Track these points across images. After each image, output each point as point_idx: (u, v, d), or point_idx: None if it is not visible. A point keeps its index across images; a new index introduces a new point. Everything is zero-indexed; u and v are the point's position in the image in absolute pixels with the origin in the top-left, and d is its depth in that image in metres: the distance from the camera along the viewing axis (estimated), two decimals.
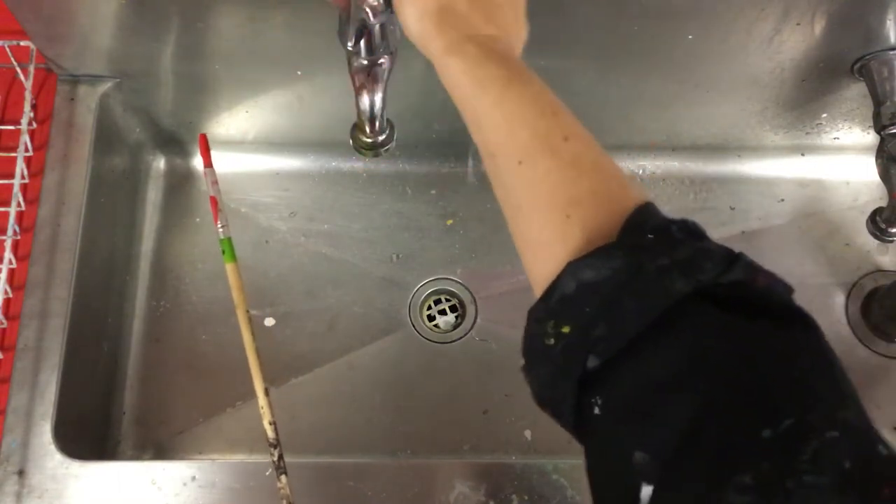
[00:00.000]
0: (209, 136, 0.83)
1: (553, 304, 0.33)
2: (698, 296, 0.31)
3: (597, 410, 0.32)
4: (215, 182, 0.59)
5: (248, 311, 0.58)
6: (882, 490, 0.26)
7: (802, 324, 0.32)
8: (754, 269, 0.33)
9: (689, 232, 0.34)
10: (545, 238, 0.36)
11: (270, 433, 0.57)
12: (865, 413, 0.29)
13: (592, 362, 0.31)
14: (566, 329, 0.32)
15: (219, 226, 0.60)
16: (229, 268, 0.59)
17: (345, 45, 0.51)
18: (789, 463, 0.26)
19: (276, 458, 0.57)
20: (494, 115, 0.38)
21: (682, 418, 0.28)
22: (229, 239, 0.60)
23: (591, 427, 0.32)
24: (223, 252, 0.59)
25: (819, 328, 0.32)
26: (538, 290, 0.35)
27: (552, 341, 0.33)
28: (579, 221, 0.35)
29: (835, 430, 0.27)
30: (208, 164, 0.59)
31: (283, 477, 0.57)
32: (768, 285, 0.33)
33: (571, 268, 0.33)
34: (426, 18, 0.41)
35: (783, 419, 0.27)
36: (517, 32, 0.44)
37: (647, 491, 0.28)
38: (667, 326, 0.30)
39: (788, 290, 0.33)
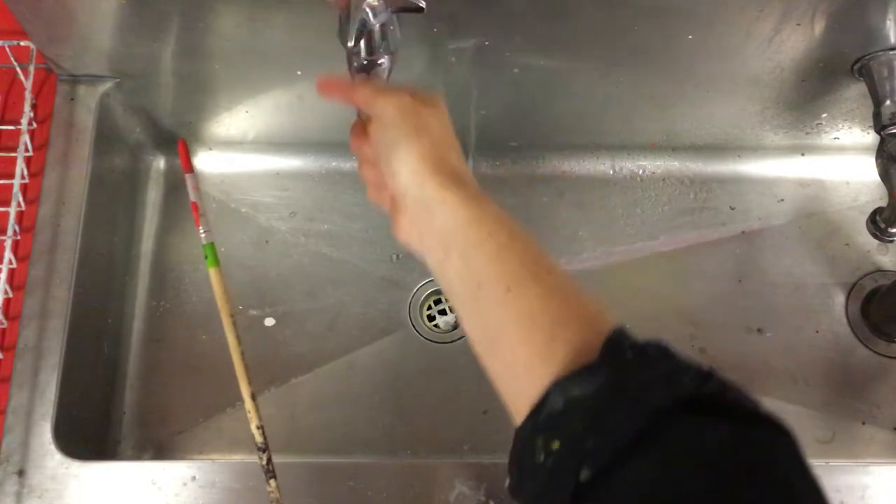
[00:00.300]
0: (209, 136, 0.84)
1: (542, 421, 0.35)
2: (680, 408, 0.33)
3: None
4: (196, 187, 0.60)
5: (232, 316, 0.58)
6: None
7: (776, 429, 0.34)
8: (726, 384, 0.35)
9: (663, 351, 0.37)
10: (529, 361, 0.38)
11: (258, 437, 0.57)
12: None
13: (585, 475, 0.33)
14: (556, 445, 0.34)
15: (201, 231, 0.60)
16: (212, 273, 0.59)
17: (345, 45, 0.51)
18: None
19: (264, 463, 0.57)
20: (486, 247, 0.41)
21: None
22: (212, 244, 0.60)
23: None
24: (206, 257, 0.59)
25: (793, 433, 0.34)
26: (519, 413, 0.37)
27: (542, 457, 0.34)
28: (563, 343, 0.37)
29: None
30: (188, 169, 0.60)
31: (272, 481, 0.57)
32: (738, 399, 0.35)
33: (558, 386, 0.35)
34: (425, 161, 0.45)
35: None
36: None
37: None
38: (652, 437, 0.32)
39: (755, 403, 0.35)
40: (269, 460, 0.57)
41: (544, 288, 0.39)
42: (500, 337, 0.40)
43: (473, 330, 0.43)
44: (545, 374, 0.36)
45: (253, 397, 0.57)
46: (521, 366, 0.38)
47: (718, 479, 0.31)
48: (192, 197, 0.59)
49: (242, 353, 0.57)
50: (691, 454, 0.32)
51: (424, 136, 0.45)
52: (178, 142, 0.60)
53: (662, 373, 0.34)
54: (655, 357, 0.36)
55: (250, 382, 0.57)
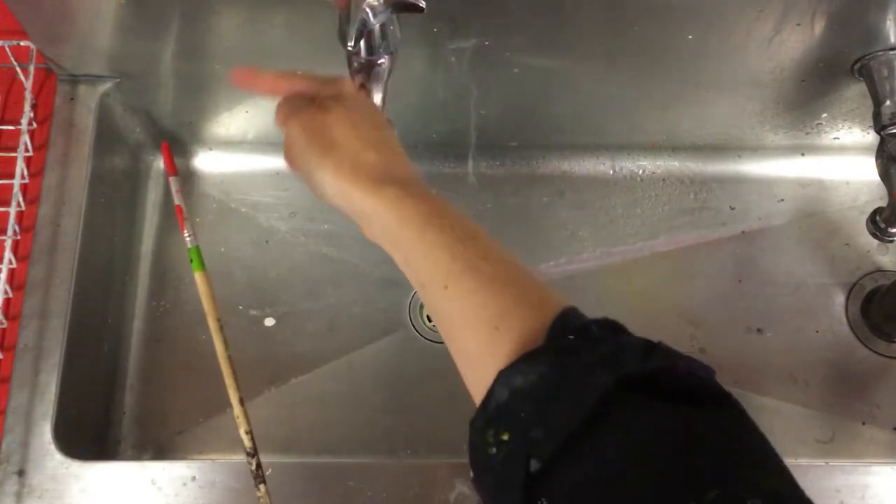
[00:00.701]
0: (209, 136, 0.84)
1: (490, 413, 0.35)
2: (624, 388, 0.32)
3: None
4: (180, 191, 0.59)
5: (219, 320, 0.58)
6: None
7: (724, 404, 0.33)
8: (673, 356, 0.34)
9: (610, 328, 0.36)
10: (477, 352, 0.38)
11: (247, 442, 0.57)
12: (792, 480, 0.31)
13: (534, 465, 0.33)
14: (505, 436, 0.34)
15: (186, 234, 0.59)
16: (198, 277, 0.59)
17: (345, 45, 0.51)
18: None
19: (253, 468, 0.57)
20: (419, 247, 0.41)
21: None
22: (197, 248, 0.59)
23: None
24: (191, 261, 0.59)
25: (740, 405, 0.33)
26: (477, 402, 0.37)
27: (494, 450, 0.34)
28: (507, 332, 0.37)
29: (758, 498, 0.28)
30: (172, 172, 0.59)
31: (261, 486, 0.57)
32: (689, 370, 0.34)
33: (502, 376, 0.35)
34: (340, 176, 0.44)
35: (708, 492, 0.28)
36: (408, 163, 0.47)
37: None
38: (598, 422, 0.32)
39: (710, 371, 0.35)
40: (259, 465, 0.57)
41: (481, 280, 0.39)
42: (452, 331, 0.40)
43: (433, 318, 0.42)
44: (493, 364, 0.36)
45: (241, 402, 0.56)
46: (473, 357, 0.38)
47: (658, 466, 0.30)
48: (177, 200, 0.59)
49: (230, 358, 0.57)
50: (633, 438, 0.31)
51: (332, 151, 0.44)
52: (161, 145, 0.60)
53: (604, 354, 0.34)
54: (599, 337, 0.35)
55: (239, 388, 0.57)
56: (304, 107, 0.47)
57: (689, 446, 0.31)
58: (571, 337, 0.35)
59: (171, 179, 0.59)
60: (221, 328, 0.58)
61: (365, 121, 0.46)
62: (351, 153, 0.44)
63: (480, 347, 0.38)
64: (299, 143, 0.46)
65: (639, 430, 0.32)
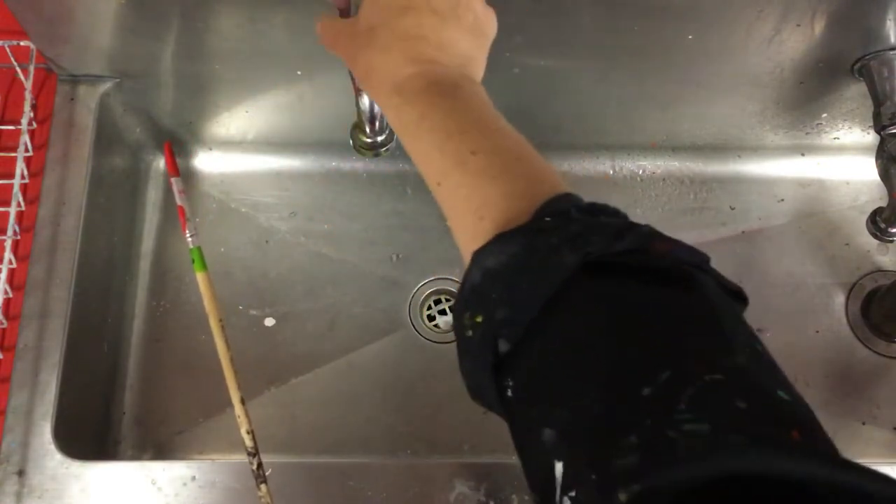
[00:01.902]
0: (209, 136, 0.84)
1: (466, 295, 0.35)
2: (591, 270, 0.32)
3: (509, 393, 0.33)
4: (182, 191, 0.59)
5: (221, 321, 0.58)
6: (790, 433, 0.26)
7: (690, 282, 0.32)
8: (651, 237, 0.33)
9: (591, 211, 0.35)
10: (465, 242, 0.38)
11: (248, 442, 0.57)
12: (768, 361, 0.30)
13: (503, 347, 0.33)
14: (479, 318, 0.34)
15: (187, 235, 0.59)
16: (200, 277, 0.59)
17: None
18: (670, 414, 0.26)
19: (255, 467, 0.57)
20: (416, 148, 0.42)
21: (575, 394, 0.30)
22: (199, 248, 0.59)
23: (508, 410, 0.34)
24: (193, 262, 0.59)
25: (708, 283, 0.32)
26: None
27: (470, 332, 0.34)
28: (491, 220, 0.36)
29: (717, 373, 0.27)
30: (174, 172, 0.59)
31: (263, 486, 0.57)
32: (669, 251, 0.33)
33: (476, 257, 0.35)
34: (363, 84, 0.45)
35: (661, 373, 0.28)
36: (472, 37, 0.45)
37: (559, 467, 0.29)
38: (560, 304, 0.32)
39: (695, 254, 0.33)
40: (260, 465, 0.57)
41: (467, 173, 0.38)
42: (451, 226, 0.40)
43: None
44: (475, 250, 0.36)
45: (242, 402, 0.57)
46: (463, 250, 0.38)
47: (613, 349, 0.30)
48: (179, 201, 0.59)
49: (232, 358, 0.57)
50: (588, 320, 0.31)
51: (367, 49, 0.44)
52: (164, 145, 0.60)
53: (574, 234, 0.33)
54: (576, 218, 0.34)
55: (240, 387, 0.57)
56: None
57: (647, 327, 0.30)
58: (548, 219, 0.34)
59: (174, 180, 0.59)
60: (223, 328, 0.58)
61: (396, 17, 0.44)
62: (377, 58, 0.44)
63: (467, 238, 0.37)
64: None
65: (594, 311, 0.31)
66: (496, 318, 0.33)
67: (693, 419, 0.26)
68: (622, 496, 0.25)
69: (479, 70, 0.46)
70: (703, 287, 0.32)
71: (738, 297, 0.34)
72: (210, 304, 0.58)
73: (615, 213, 0.36)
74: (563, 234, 0.33)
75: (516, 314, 0.32)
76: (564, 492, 0.28)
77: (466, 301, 0.34)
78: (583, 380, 0.29)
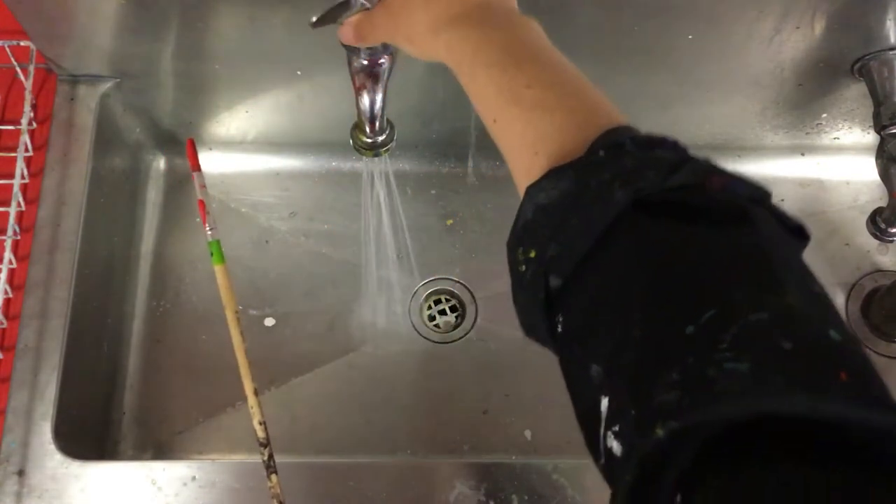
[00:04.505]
0: (209, 136, 0.84)
1: (519, 231, 0.35)
2: (642, 207, 0.31)
3: (560, 329, 0.33)
4: (203, 186, 0.60)
5: (237, 312, 0.58)
6: (838, 374, 0.25)
7: (743, 219, 0.31)
8: (707, 171, 0.32)
9: (647, 144, 0.34)
10: (520, 178, 0.37)
11: (260, 433, 0.57)
12: (823, 300, 0.29)
13: (554, 282, 0.33)
14: (532, 254, 0.33)
15: (207, 228, 0.60)
16: (218, 270, 0.60)
17: (344, 45, 0.51)
18: (711, 353, 0.26)
19: (266, 458, 0.57)
20: (471, 87, 0.41)
21: (621, 331, 0.29)
22: (218, 241, 0.60)
23: (559, 346, 0.34)
24: (212, 254, 0.60)
25: (763, 218, 0.31)
26: None
27: (523, 268, 0.34)
28: (545, 155, 0.36)
29: (762, 312, 0.27)
30: (196, 167, 0.60)
31: (273, 476, 0.57)
32: (726, 186, 0.32)
33: (528, 193, 0.34)
34: (405, 31, 0.45)
35: (705, 312, 0.27)
36: None
37: (604, 402, 0.29)
38: (609, 242, 0.31)
39: (754, 188, 0.32)
40: (271, 455, 0.57)
41: (522, 108, 0.38)
42: (508, 163, 0.40)
43: None
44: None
45: (256, 393, 0.57)
46: (519, 186, 0.38)
47: (660, 287, 0.29)
48: (200, 195, 0.59)
49: (246, 350, 0.58)
50: (635, 259, 0.30)
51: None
52: (187, 141, 0.60)
53: (626, 169, 0.32)
54: (630, 152, 0.33)
55: (254, 378, 0.58)
56: None
57: (694, 266, 0.29)
58: (602, 153, 0.33)
59: (195, 175, 0.60)
60: (239, 320, 0.58)
61: None
62: (419, 11, 0.44)
63: (522, 174, 0.37)
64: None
65: (642, 251, 0.31)
66: (548, 254, 0.32)
67: (734, 358, 0.25)
68: (660, 431, 0.25)
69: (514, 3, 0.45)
70: (757, 223, 0.31)
71: (800, 234, 0.33)
72: (227, 295, 0.59)
73: (673, 146, 0.35)
74: (615, 170, 0.32)
75: (567, 251, 0.32)
76: (608, 426, 0.28)
77: (519, 236, 0.34)
78: (628, 318, 0.29)
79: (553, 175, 0.34)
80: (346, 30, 0.49)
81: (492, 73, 0.40)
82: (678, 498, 0.25)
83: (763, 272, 0.29)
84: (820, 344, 0.26)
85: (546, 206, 0.33)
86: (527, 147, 0.37)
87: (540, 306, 0.33)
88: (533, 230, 0.34)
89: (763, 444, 0.25)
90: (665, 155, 0.33)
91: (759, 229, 0.30)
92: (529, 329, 0.36)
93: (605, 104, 0.37)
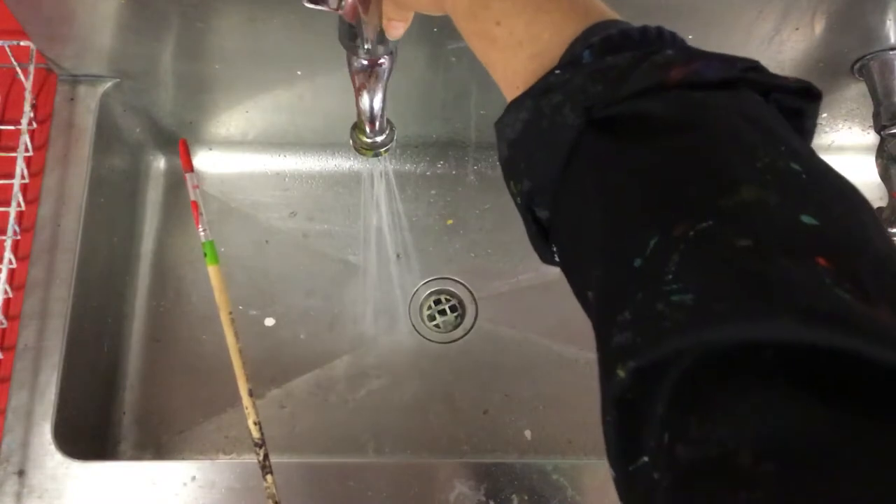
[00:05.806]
0: (209, 136, 0.84)
1: (504, 167, 0.35)
2: (597, 126, 0.29)
3: (556, 258, 0.34)
4: (196, 186, 0.60)
5: (231, 313, 0.59)
6: (814, 259, 0.23)
7: (700, 116, 0.28)
8: (665, 65, 0.29)
9: (612, 47, 0.31)
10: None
11: (255, 433, 0.57)
12: (801, 180, 0.26)
13: (541, 214, 0.33)
14: (517, 189, 0.34)
15: (200, 229, 0.60)
16: (212, 270, 0.60)
17: (345, 46, 0.51)
18: (658, 285, 0.24)
19: (261, 458, 0.57)
20: (475, 47, 0.38)
21: (587, 267, 0.29)
22: (212, 242, 0.60)
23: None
24: (205, 255, 0.60)
25: (728, 103, 0.28)
26: None
27: (519, 199, 0.34)
28: (523, 87, 0.33)
29: (707, 221, 0.24)
30: (188, 168, 0.60)
31: (268, 476, 0.57)
32: (687, 76, 0.29)
33: (497, 130, 0.34)
34: None
35: (649, 240, 0.26)
36: None
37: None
38: (571, 170, 0.30)
39: (727, 66, 0.29)
40: (266, 456, 0.57)
41: (497, 49, 0.35)
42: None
43: None
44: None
45: (251, 393, 0.57)
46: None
47: (606, 207, 0.28)
48: (192, 196, 0.60)
49: (241, 351, 0.58)
50: (587, 188, 0.29)
51: None
52: (179, 141, 0.60)
53: (576, 87, 0.30)
54: (585, 64, 0.31)
55: (249, 378, 0.58)
56: None
57: (640, 189, 0.27)
58: (557, 71, 0.31)
59: (188, 176, 0.60)
60: (233, 321, 0.58)
61: None
62: None
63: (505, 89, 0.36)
64: None
65: (591, 179, 0.29)
66: (524, 189, 0.33)
67: (678, 289, 0.24)
68: (620, 373, 0.25)
69: None
70: (715, 118, 0.28)
71: (808, 95, 0.30)
72: (221, 297, 0.59)
73: (642, 42, 0.32)
74: (565, 90, 0.30)
75: (538, 184, 0.32)
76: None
77: (506, 171, 0.34)
78: (593, 255, 0.29)
79: (513, 107, 0.33)
80: (388, 7, 0.46)
81: (469, 24, 0.37)
82: (665, 437, 0.24)
83: (710, 176, 0.26)
84: (789, 230, 0.24)
85: (514, 140, 0.33)
86: (509, 86, 0.35)
87: (539, 235, 0.34)
88: (510, 166, 0.34)
89: (741, 371, 0.23)
90: (617, 61, 0.30)
91: (714, 125, 0.27)
92: (543, 257, 0.36)
93: (578, 10, 0.34)
